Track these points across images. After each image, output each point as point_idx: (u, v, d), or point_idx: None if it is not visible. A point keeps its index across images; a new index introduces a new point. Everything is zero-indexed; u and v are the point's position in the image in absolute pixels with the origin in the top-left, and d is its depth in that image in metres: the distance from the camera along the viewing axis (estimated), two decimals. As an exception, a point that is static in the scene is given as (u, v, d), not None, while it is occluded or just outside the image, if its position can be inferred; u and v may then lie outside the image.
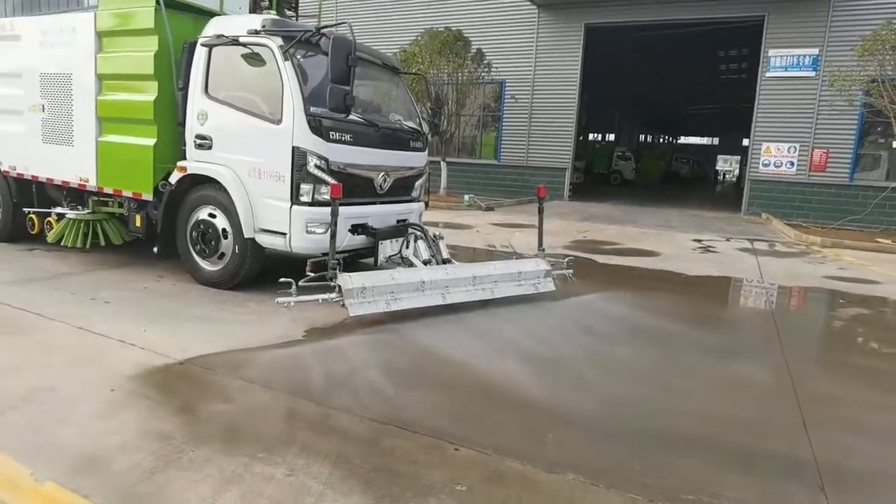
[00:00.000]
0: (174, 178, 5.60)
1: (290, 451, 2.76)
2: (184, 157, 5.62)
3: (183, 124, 5.61)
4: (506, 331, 4.77)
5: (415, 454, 2.82)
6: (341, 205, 5.07)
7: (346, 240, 5.44)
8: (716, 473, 2.80)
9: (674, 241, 11.23)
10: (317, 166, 5.12)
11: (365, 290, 4.45)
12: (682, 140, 62.92)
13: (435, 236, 5.74)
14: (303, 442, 2.86)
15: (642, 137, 53.59)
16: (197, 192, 5.58)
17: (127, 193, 5.96)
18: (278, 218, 5.19)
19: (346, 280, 4.43)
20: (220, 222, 5.44)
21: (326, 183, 5.15)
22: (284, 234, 5.19)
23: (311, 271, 4.99)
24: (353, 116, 5.43)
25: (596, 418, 3.36)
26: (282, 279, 4.36)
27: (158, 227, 5.76)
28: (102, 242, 6.49)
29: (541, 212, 6.49)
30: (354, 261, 6.08)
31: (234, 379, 3.57)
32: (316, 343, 4.32)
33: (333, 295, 4.40)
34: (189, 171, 5.54)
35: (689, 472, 2.81)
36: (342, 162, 5.32)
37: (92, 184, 6.15)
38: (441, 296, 4.85)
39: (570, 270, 6.15)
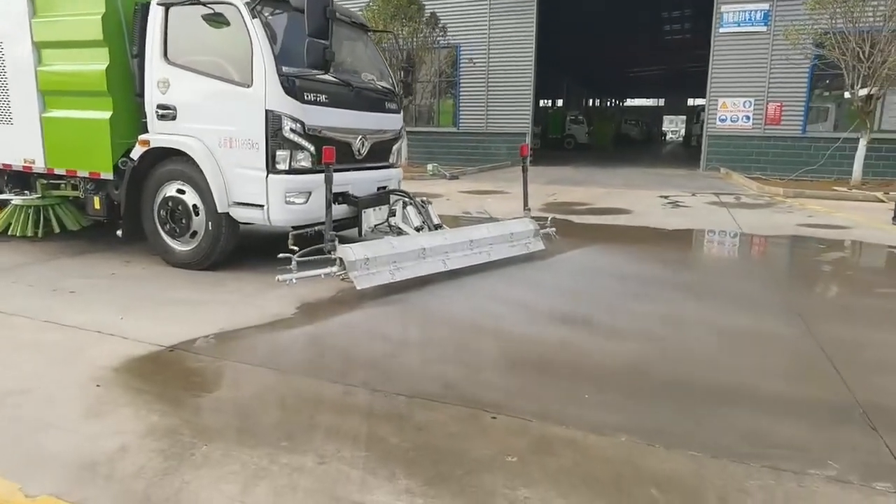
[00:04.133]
0: (136, 153, 5.10)
1: (315, 437, 2.48)
2: (146, 130, 5.12)
3: (142, 94, 5.10)
4: (509, 291, 4.61)
5: (451, 426, 2.59)
6: (319, 172, 4.77)
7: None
8: (768, 424, 2.68)
9: (642, 199, 11.24)
10: (292, 130, 4.74)
11: (368, 262, 4.15)
12: (629, 102, 63.69)
13: (423, 201, 5.45)
14: (327, 425, 2.59)
15: (590, 101, 53.95)
16: (162, 167, 5.11)
17: (83, 174, 5.41)
18: (254, 189, 4.80)
19: (348, 252, 4.12)
20: (190, 198, 5.01)
21: (303, 148, 4.80)
22: (261, 206, 4.81)
23: (294, 245, 4.69)
24: (327, 76, 5.07)
25: (624, 373, 3.20)
26: (281, 255, 4.03)
27: (121, 208, 5.27)
28: (57, 229, 5.94)
29: (525, 171, 6.36)
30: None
31: (233, 362, 3.25)
32: (313, 319, 4.01)
33: (335, 268, 4.09)
34: (152, 145, 5.05)
35: (741, 425, 2.67)
36: (319, 125, 4.95)
37: (39, 165, 5.57)
38: (442, 262, 4.61)
39: (553, 229, 6.13)
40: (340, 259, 4.09)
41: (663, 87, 52.35)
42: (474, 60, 18.24)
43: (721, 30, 16.45)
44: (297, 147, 4.78)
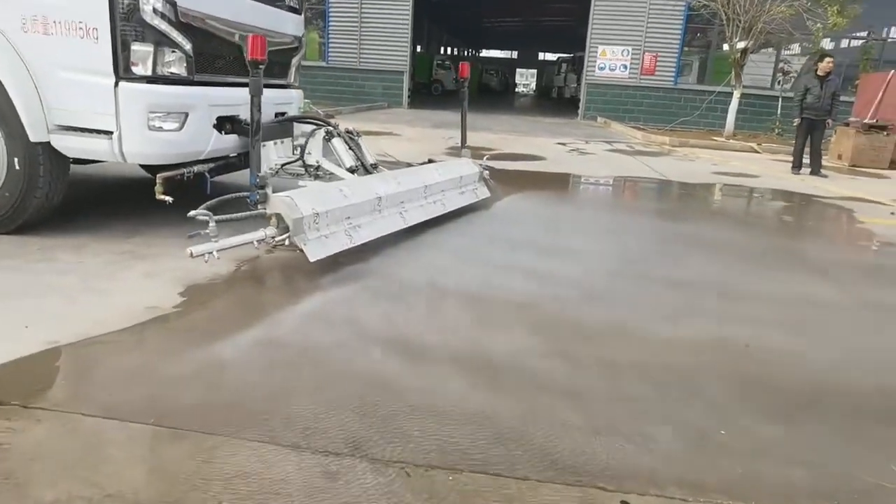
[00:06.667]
0: None
1: None
2: None
3: None
4: (505, 255, 3.50)
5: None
6: (197, 84, 3.30)
7: (213, 141, 3.49)
8: None
9: (541, 146, 10.50)
10: (158, 12, 3.00)
11: (318, 218, 2.63)
12: (484, 53, 63.61)
13: (351, 133, 3.94)
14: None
15: (448, 49, 52.94)
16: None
17: None
18: (94, 105, 3.02)
19: (290, 205, 2.56)
20: (-24, 118, 3.08)
21: (176, 44, 3.10)
22: (109, 132, 3.05)
23: (164, 193, 3.11)
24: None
25: (757, 385, 2.16)
26: (192, 212, 2.42)
27: None
28: None
29: (464, 98, 5.16)
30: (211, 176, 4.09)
31: (93, 418, 1.68)
32: (221, 314, 2.47)
33: (270, 231, 2.53)
34: None
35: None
36: (198, 10, 3.25)
37: None
38: (400, 216, 3.24)
39: (487, 172, 5.24)
40: (277, 216, 2.54)
41: (517, 40, 52.96)
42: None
43: (602, -26, 16.02)
44: (165, 41, 3.06)
